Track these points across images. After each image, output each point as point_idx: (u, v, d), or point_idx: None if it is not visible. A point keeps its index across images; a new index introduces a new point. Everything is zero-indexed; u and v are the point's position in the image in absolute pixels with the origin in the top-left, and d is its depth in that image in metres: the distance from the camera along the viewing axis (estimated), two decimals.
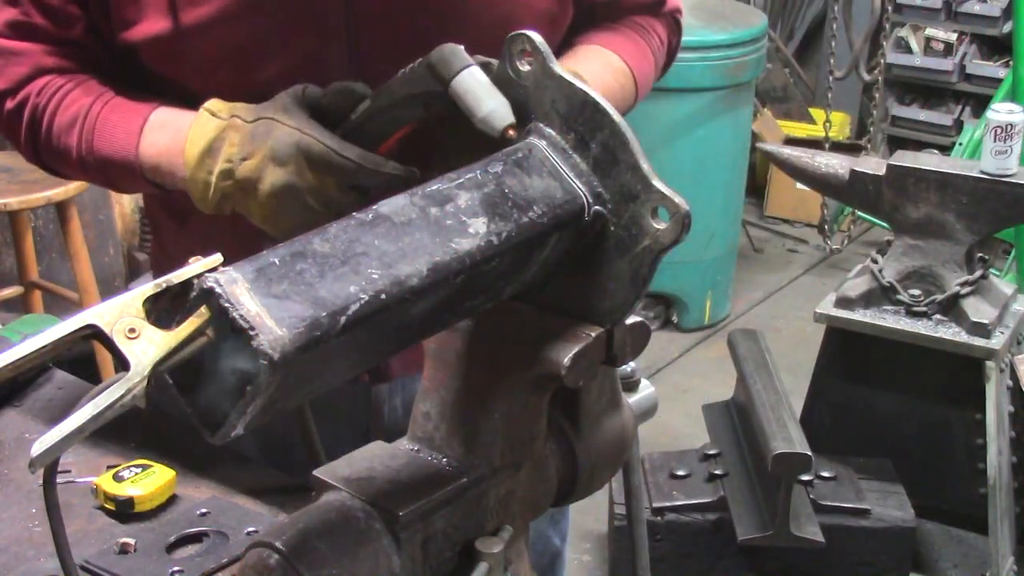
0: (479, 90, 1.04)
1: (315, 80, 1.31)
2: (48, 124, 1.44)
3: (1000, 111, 2.81)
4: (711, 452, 2.97)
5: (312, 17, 1.39)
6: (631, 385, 1.19)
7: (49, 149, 1.46)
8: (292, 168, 1.22)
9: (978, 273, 2.85)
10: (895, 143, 5.65)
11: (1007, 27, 5.37)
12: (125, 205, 4.43)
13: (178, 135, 1.34)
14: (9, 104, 1.46)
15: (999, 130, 2.75)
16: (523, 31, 1.00)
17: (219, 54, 1.39)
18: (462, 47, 1.10)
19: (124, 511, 1.34)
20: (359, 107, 1.23)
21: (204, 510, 1.35)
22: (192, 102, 1.38)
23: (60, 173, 1.55)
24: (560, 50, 1.57)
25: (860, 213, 5.09)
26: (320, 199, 1.23)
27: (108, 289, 3.97)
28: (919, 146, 5.29)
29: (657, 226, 0.94)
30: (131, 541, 1.29)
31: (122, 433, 1.48)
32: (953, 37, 5.79)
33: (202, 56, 1.40)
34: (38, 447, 0.77)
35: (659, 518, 2.84)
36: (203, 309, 0.78)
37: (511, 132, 1.01)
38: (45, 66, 1.44)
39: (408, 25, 1.40)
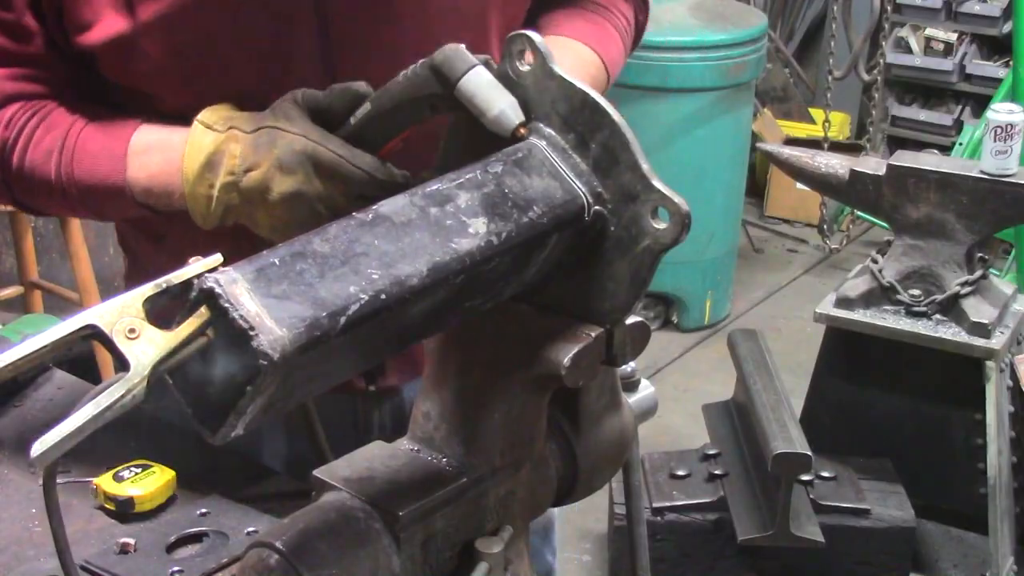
0: (487, 90, 1.04)
1: (284, 70, 1.29)
2: (20, 158, 1.38)
3: (1000, 111, 2.81)
4: (711, 452, 2.97)
5: (279, 4, 1.34)
6: (631, 385, 1.19)
7: (22, 184, 1.40)
8: (300, 176, 1.20)
9: (978, 273, 2.84)
10: (895, 143, 5.65)
11: (1007, 27, 5.37)
12: None
13: (169, 154, 1.30)
14: None
15: (999, 130, 2.75)
16: (523, 31, 1.00)
17: (181, 50, 1.34)
18: (463, 46, 1.09)
19: (124, 511, 1.34)
20: (360, 110, 1.22)
21: (204, 510, 1.35)
22: (156, 113, 1.34)
23: (35, 208, 1.49)
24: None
25: (860, 213, 5.09)
26: (329, 206, 1.20)
27: (108, 289, 3.97)
28: (919, 146, 5.29)
29: (657, 226, 0.94)
30: (131, 541, 1.29)
31: (122, 433, 1.48)
32: (953, 37, 5.79)
33: (164, 53, 1.34)
34: (38, 447, 0.77)
35: (659, 518, 2.84)
36: (203, 309, 0.78)
37: (522, 131, 1.00)
38: (8, 93, 1.39)
39: (380, 9, 1.36)
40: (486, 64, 1.07)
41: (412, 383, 1.56)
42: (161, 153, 1.32)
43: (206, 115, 1.28)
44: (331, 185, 1.20)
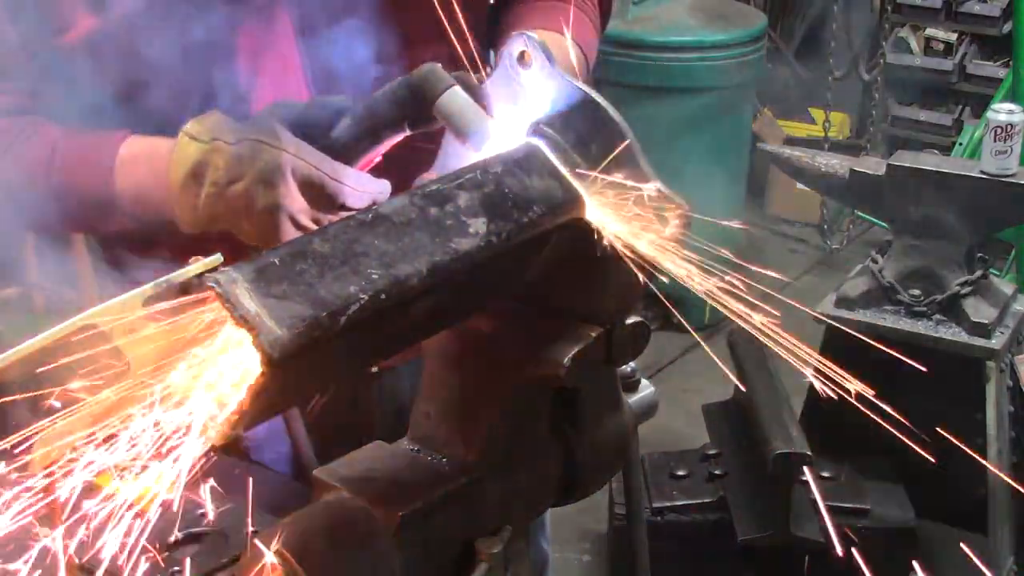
0: (463, 110, 1.08)
1: (264, 43, 1.33)
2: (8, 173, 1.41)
3: (1000, 111, 2.81)
4: (711, 452, 2.97)
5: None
6: (631, 385, 1.19)
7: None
8: (282, 189, 1.23)
9: (978, 273, 2.84)
10: (895, 143, 5.64)
11: (1007, 27, 5.36)
12: None
13: (156, 164, 1.32)
14: None
15: (999, 130, 2.75)
16: (524, 32, 1.01)
17: (158, 43, 1.37)
18: (439, 65, 1.12)
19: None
20: (340, 124, 1.24)
21: (204, 510, 1.35)
22: (142, 110, 1.37)
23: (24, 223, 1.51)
24: (499, 36, 1.58)
25: (860, 213, 5.08)
26: (312, 218, 1.23)
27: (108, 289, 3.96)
28: (919, 146, 5.29)
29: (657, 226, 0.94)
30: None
31: None
32: (953, 37, 5.78)
33: (136, 48, 1.37)
34: (38, 446, 0.77)
35: (659, 518, 2.83)
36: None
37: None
38: None
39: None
40: (464, 82, 1.09)
41: (409, 366, 1.57)
42: (148, 163, 1.34)
43: (192, 126, 1.30)
44: (314, 199, 1.22)
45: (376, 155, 1.25)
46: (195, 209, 1.28)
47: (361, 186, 1.22)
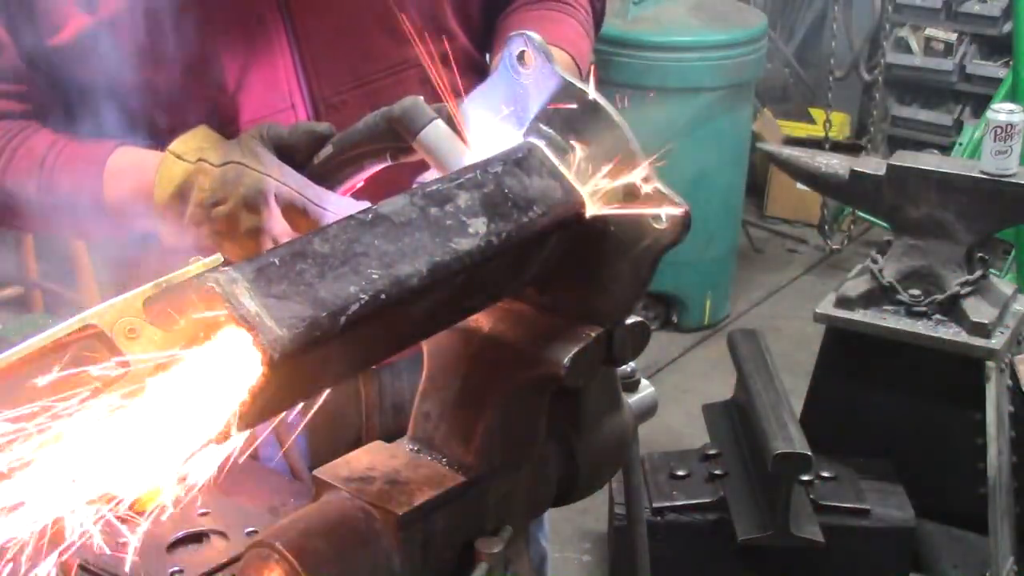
0: (444, 144, 1.09)
1: (255, 40, 1.35)
2: (2, 176, 1.43)
3: (1000, 111, 2.81)
4: (711, 452, 2.97)
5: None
6: (631, 385, 1.19)
7: (3, 200, 1.44)
8: (265, 213, 1.25)
9: (978, 273, 2.84)
10: (895, 143, 5.64)
11: (1007, 27, 5.36)
12: None
13: (142, 179, 1.33)
14: None
15: (999, 130, 2.75)
16: (523, 32, 1.01)
17: (149, 42, 1.38)
18: (422, 98, 1.13)
19: (124, 511, 1.34)
20: (323, 151, 1.26)
21: (204, 510, 1.35)
22: (133, 115, 1.38)
23: (17, 225, 1.53)
24: (495, 42, 1.59)
25: (860, 213, 5.08)
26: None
27: (108, 289, 3.96)
28: (919, 146, 5.28)
29: (657, 226, 0.94)
30: (131, 541, 1.29)
31: None
32: (953, 37, 5.78)
33: (130, 45, 1.38)
34: None
35: (659, 518, 2.83)
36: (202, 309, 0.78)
37: None
38: None
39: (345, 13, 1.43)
40: (445, 112, 1.10)
41: (408, 362, 1.57)
42: (134, 178, 1.36)
43: (178, 145, 1.31)
44: (295, 222, 1.24)
45: (358, 181, 1.27)
46: (178, 227, 1.30)
47: (343, 211, 1.23)
